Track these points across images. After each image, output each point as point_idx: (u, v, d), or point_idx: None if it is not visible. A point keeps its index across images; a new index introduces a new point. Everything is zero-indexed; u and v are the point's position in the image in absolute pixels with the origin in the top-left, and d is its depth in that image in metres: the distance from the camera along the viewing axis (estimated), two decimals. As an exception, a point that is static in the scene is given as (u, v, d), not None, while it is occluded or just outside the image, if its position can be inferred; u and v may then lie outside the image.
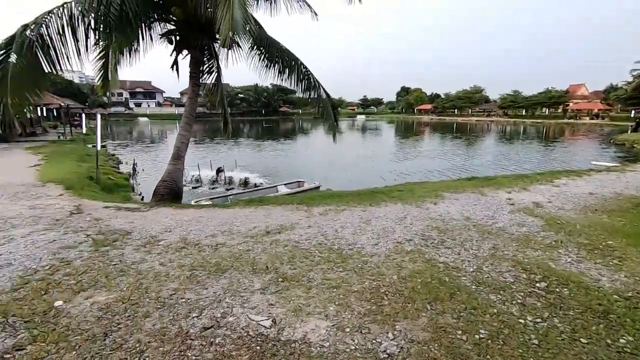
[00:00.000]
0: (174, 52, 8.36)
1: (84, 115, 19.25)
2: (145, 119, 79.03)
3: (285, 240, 5.04)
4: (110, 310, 3.14)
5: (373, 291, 3.55)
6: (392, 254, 4.52)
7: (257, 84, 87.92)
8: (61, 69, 6.27)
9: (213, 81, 10.47)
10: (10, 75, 5.56)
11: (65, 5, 6.23)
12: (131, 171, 15.06)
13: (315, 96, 9.69)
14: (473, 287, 3.66)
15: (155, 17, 7.92)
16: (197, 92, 8.83)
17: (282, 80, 9.45)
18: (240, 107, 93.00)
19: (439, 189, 8.50)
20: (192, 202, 9.28)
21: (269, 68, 9.24)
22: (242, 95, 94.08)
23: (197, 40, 8.09)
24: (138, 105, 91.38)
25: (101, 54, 8.79)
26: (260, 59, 9.23)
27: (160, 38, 8.62)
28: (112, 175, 13.22)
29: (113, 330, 2.83)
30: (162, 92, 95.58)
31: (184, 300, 3.35)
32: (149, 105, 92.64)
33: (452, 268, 4.10)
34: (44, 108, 34.87)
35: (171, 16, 8.03)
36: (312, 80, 9.52)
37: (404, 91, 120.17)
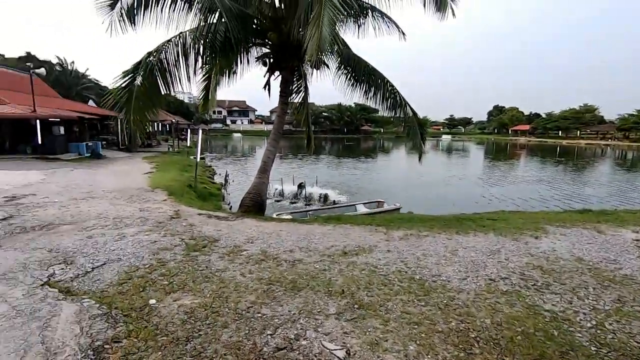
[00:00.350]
0: (267, 74, 8.96)
1: (189, 130, 21.77)
2: (239, 134, 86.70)
3: (362, 264, 4.83)
4: (193, 315, 3.29)
5: (461, 334, 3.12)
6: (484, 293, 3.98)
7: (340, 103, 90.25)
8: (174, 89, 7.18)
9: (300, 100, 10.92)
10: (135, 95, 6.55)
11: (181, 35, 7.18)
12: (223, 181, 16.44)
13: (401, 115, 9.43)
14: (592, 348, 2.97)
15: (253, 41, 8.64)
16: (285, 110, 9.29)
17: (367, 98, 9.42)
18: (323, 125, 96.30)
19: (541, 221, 7.41)
20: (274, 215, 9.65)
21: (355, 87, 9.30)
22: (326, 114, 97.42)
23: (288, 62, 8.55)
24: (234, 122, 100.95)
25: (205, 76, 9.87)
26: (346, 78, 9.36)
27: (256, 61, 9.34)
28: (207, 185, 14.57)
29: (194, 337, 2.95)
30: (254, 110, 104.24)
31: (260, 315, 3.36)
32: (242, 123, 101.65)
33: (562, 319, 3.42)
34: (160, 123, 40.71)
35: (267, 41, 8.66)
36: (398, 98, 9.30)
37: (497, 110, 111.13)
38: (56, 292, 3.58)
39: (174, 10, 7.65)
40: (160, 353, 2.69)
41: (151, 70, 6.74)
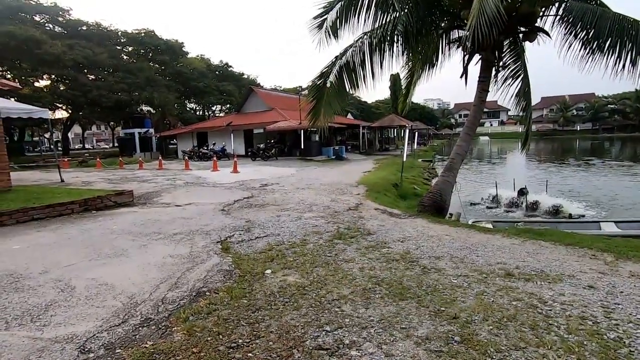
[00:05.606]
0: (464, 58, 7.84)
1: (416, 134, 22.14)
2: (486, 137, 79.74)
3: (525, 293, 3.42)
4: (284, 292, 3.43)
5: None
6: None
7: (638, 89, 65.23)
8: (359, 88, 7.63)
9: (517, 88, 8.81)
10: (325, 94, 7.45)
11: (365, 34, 7.51)
12: (439, 184, 15.70)
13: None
14: None
15: (443, 25, 7.79)
16: (484, 98, 7.80)
17: (617, 69, 6.51)
18: (610, 121, 72.96)
19: None
20: (470, 222, 8.30)
21: (595, 55, 6.62)
22: (613, 106, 73.42)
23: (489, 39, 7.11)
24: (481, 124, 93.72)
25: (408, 73, 9.83)
26: (582, 45, 6.81)
27: (457, 47, 8.38)
28: (418, 186, 14.38)
29: (265, 308, 3.08)
30: (506, 110, 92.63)
31: (337, 309, 3.08)
32: (491, 124, 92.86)
33: None
34: (402, 130, 43.62)
35: (465, 21, 7.57)
36: None
37: None
38: (219, 249, 4.68)
39: (369, 16, 8.12)
40: (228, 311, 3.00)
41: (339, 71, 7.45)
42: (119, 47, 37.72)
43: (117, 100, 33.16)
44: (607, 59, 6.57)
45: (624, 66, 6.52)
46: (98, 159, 23.27)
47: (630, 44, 6.18)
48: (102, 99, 31.50)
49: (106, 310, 3.02)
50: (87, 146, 65.22)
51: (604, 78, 6.74)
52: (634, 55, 6.28)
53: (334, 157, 23.36)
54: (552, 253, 4.67)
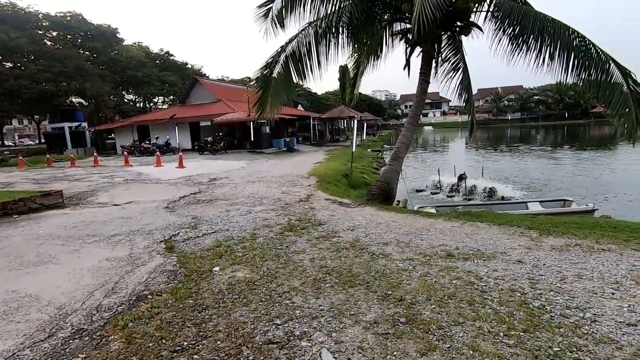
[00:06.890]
0: (407, 51, 8.12)
1: (364, 124, 22.68)
2: (430, 127, 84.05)
3: (464, 271, 3.66)
4: (232, 288, 3.33)
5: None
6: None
7: (559, 82, 72.53)
8: (306, 79, 7.59)
9: (458, 80, 9.30)
10: (272, 85, 7.32)
11: (307, 26, 7.47)
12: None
13: (601, 78, 6.66)
14: None
15: (386, 17, 8.00)
16: (426, 90, 8.17)
17: (538, 63, 7.13)
18: (535, 111, 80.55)
19: None
20: (415, 208, 8.73)
21: (520, 50, 7.20)
22: (538, 97, 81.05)
23: (429, 33, 7.42)
24: (425, 115, 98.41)
25: (355, 64, 9.95)
26: (509, 40, 7.35)
27: (400, 39, 8.63)
28: (368, 175, 14.77)
29: (213, 307, 2.97)
30: (448, 101, 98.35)
31: (288, 302, 3.07)
32: (434, 115, 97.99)
33: None
34: (352, 121, 44.42)
35: (406, 14, 7.82)
36: (593, 52, 6.61)
37: None
38: (162, 248, 4.42)
39: (314, 6, 8.06)
40: (173, 314, 2.86)
41: (285, 62, 7.35)
42: (40, 32, 33.73)
43: (41, 91, 29.81)
44: (530, 53, 7.17)
45: (543, 60, 7.16)
46: (20, 157, 20.82)
47: (549, 40, 6.81)
48: (22, 90, 28.11)
49: (29, 325, 2.71)
50: (7, 143, 57.97)
51: (527, 71, 7.37)
52: (552, 51, 6.92)
53: (285, 149, 23.18)
54: (487, 233, 5.05)
